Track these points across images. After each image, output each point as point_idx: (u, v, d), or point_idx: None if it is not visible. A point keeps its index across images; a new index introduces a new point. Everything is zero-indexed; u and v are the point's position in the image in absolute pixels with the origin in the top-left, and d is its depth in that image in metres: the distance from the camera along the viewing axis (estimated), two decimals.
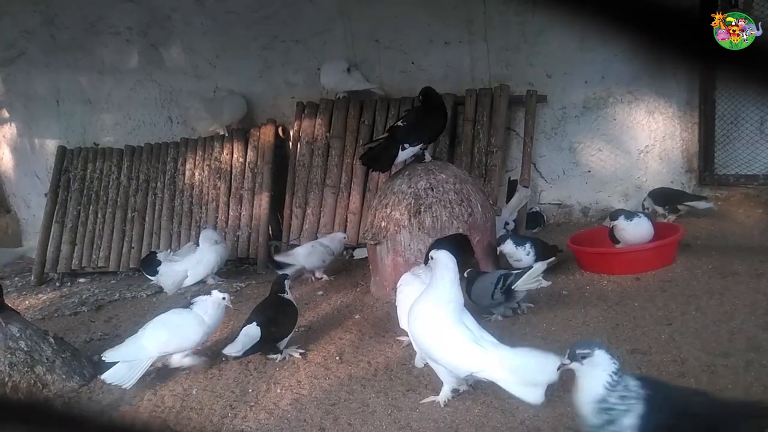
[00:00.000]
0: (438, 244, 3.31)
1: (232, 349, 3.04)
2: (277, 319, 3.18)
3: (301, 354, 3.19)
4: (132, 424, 2.59)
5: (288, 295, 3.33)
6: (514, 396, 2.27)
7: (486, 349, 2.34)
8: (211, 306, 3.19)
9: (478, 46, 5.03)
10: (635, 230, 3.71)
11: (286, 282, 3.38)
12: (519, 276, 3.18)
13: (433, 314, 2.49)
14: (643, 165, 4.90)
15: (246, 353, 3.07)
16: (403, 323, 2.88)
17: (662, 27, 0.82)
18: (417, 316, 2.55)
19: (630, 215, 3.76)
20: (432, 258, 2.62)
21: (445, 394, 2.55)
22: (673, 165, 4.85)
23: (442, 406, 2.54)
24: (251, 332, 3.08)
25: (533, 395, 2.22)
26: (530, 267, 3.24)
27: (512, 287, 3.18)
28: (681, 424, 1.73)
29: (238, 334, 3.11)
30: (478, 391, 2.63)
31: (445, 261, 2.54)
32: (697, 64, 3.69)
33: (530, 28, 4.90)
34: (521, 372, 2.25)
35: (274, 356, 3.17)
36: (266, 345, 3.13)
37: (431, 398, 2.59)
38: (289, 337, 3.21)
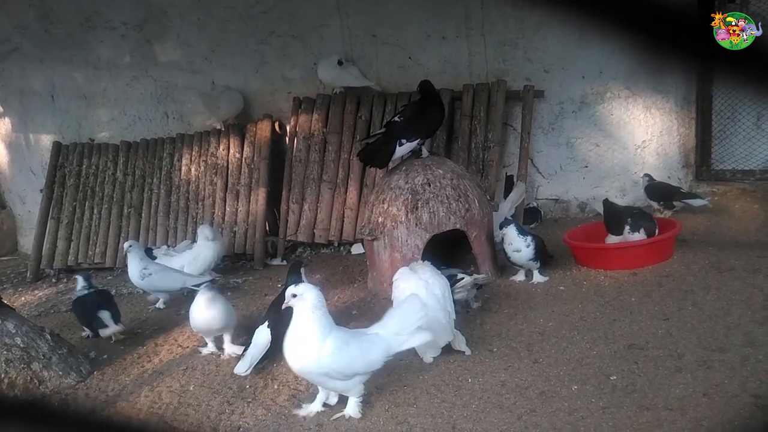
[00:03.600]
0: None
1: (241, 368, 2.98)
2: (290, 316, 3.12)
3: None
4: (129, 420, 2.59)
5: None
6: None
7: (378, 332, 2.56)
8: None
9: (476, 41, 5.02)
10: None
11: (302, 270, 3.30)
12: (457, 281, 3.20)
13: (324, 346, 2.45)
14: (641, 160, 4.91)
15: (258, 363, 3.01)
16: None
17: (661, 27, 0.82)
18: (317, 355, 2.46)
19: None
20: (295, 295, 2.50)
21: (357, 404, 2.52)
22: (670, 160, 4.85)
23: (359, 416, 2.49)
24: (260, 340, 3.01)
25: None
26: (472, 276, 3.28)
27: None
28: None
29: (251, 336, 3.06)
30: (476, 386, 2.64)
31: (309, 294, 2.51)
32: (696, 64, 3.69)
33: (528, 23, 4.88)
34: (402, 327, 2.56)
35: None
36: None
37: (339, 414, 2.52)
38: None
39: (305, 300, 2.49)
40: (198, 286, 3.81)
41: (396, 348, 2.54)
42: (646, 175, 4.60)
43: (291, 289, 2.54)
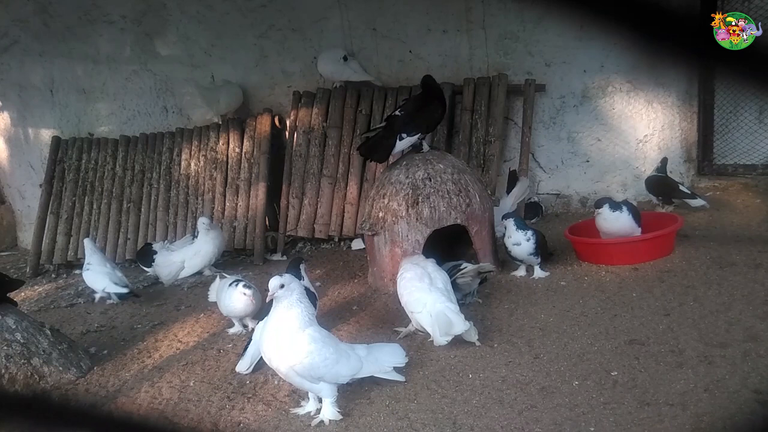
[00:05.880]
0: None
1: (242, 367, 2.96)
2: None
3: None
4: (130, 416, 2.58)
5: (305, 282, 3.20)
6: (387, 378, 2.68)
7: (357, 349, 2.63)
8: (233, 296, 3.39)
9: (477, 34, 4.99)
10: (615, 222, 3.70)
11: (302, 267, 3.29)
12: (461, 269, 3.26)
13: (302, 337, 2.44)
14: (642, 155, 4.89)
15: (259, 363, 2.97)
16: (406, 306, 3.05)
17: (661, 27, 0.81)
18: (290, 346, 2.43)
19: (615, 206, 3.73)
20: (282, 285, 2.45)
21: (332, 405, 2.49)
22: (672, 155, 4.83)
23: (337, 419, 2.47)
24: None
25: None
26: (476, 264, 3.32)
27: (452, 278, 3.20)
28: None
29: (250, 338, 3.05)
30: (477, 382, 2.63)
31: (294, 285, 2.49)
32: (696, 64, 3.70)
33: (529, 16, 4.85)
34: (381, 361, 2.66)
35: None
36: None
37: (317, 420, 2.48)
38: None
39: (293, 291, 2.46)
40: (117, 294, 4.27)
41: (366, 371, 2.58)
42: (665, 159, 4.56)
43: (277, 279, 2.45)
